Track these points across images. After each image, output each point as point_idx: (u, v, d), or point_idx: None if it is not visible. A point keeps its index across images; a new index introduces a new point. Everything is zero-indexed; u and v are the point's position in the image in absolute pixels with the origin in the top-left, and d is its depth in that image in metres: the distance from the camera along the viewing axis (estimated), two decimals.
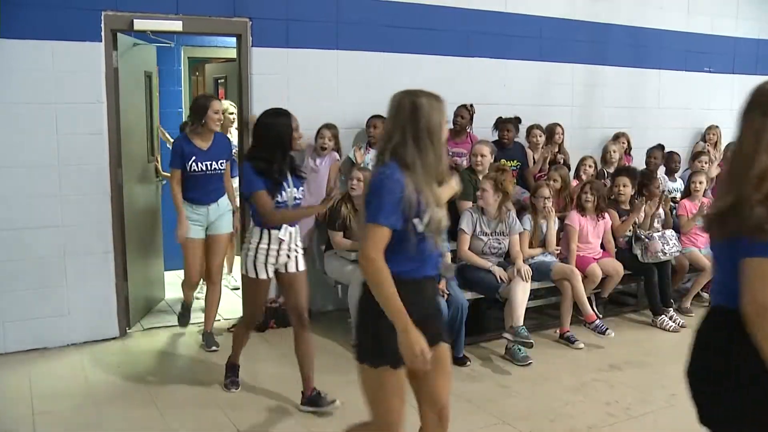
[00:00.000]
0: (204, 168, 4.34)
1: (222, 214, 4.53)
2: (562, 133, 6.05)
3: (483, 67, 5.87)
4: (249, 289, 3.67)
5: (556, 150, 5.98)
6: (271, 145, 3.45)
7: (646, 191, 5.40)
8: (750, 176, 1.69)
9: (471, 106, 5.51)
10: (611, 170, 5.88)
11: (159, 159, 5.64)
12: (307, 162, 5.07)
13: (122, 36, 4.76)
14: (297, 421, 3.53)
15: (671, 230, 5.43)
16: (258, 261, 3.52)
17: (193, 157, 4.30)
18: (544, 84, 6.22)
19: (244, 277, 3.62)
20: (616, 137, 6.41)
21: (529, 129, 5.89)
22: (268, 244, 3.51)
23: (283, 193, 3.49)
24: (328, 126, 5.05)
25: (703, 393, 1.85)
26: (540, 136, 5.88)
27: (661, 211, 5.59)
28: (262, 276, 3.55)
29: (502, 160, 5.35)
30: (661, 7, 6.86)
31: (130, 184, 4.97)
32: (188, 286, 4.74)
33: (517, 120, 5.71)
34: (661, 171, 6.39)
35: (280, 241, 3.52)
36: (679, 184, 6.32)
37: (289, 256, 3.60)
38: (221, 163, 4.44)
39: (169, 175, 4.57)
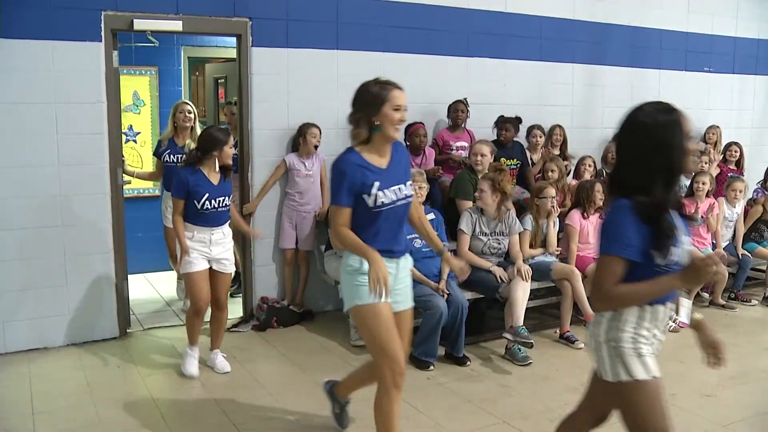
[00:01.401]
0: (393, 198, 2.74)
1: (408, 269, 2.95)
2: (561, 135, 6.03)
3: (483, 67, 5.87)
4: (639, 400, 2.16)
5: (557, 153, 5.99)
6: (656, 165, 2.06)
7: None
8: None
9: (465, 99, 5.52)
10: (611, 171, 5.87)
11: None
12: (292, 165, 5.06)
13: None
14: (297, 421, 3.53)
15: None
16: (643, 352, 2.14)
17: (376, 184, 2.71)
18: (544, 84, 6.22)
19: (624, 386, 2.15)
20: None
21: (530, 129, 5.89)
22: (649, 328, 2.16)
23: (676, 249, 2.08)
24: (315, 125, 5.04)
25: None
26: (540, 137, 5.89)
27: None
28: (656, 374, 2.15)
29: (502, 159, 5.35)
30: (661, 7, 6.87)
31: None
32: (393, 377, 2.80)
33: (518, 120, 5.71)
34: None
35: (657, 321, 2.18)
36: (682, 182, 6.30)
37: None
38: (410, 186, 2.87)
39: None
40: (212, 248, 4.02)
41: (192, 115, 5.08)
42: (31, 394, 3.82)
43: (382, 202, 2.71)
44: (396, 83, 2.76)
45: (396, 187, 2.76)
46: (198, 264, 3.99)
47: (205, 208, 3.93)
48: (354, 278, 2.75)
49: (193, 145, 4.81)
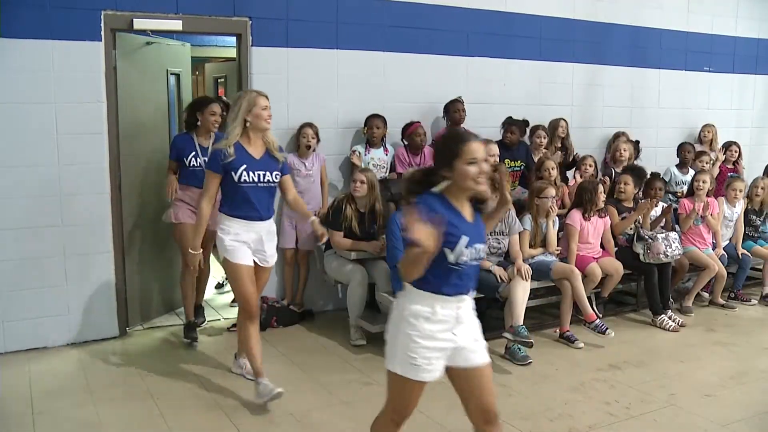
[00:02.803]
0: None
1: None
2: (566, 128, 6.06)
3: (483, 67, 5.87)
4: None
5: (559, 145, 6.00)
6: None
7: (643, 192, 5.40)
8: None
9: (460, 97, 5.51)
10: (620, 169, 5.86)
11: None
12: (293, 165, 5.03)
13: (134, 36, 4.77)
14: (298, 421, 3.53)
15: (674, 232, 5.40)
16: None
17: None
18: (544, 84, 6.22)
19: None
20: (617, 136, 6.39)
21: (533, 129, 5.87)
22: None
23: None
24: (310, 125, 5.02)
25: None
26: (544, 138, 5.86)
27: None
28: None
29: (506, 160, 5.36)
30: (661, 7, 6.87)
31: (147, 183, 4.95)
32: None
33: (525, 123, 5.71)
34: (672, 166, 6.51)
35: None
36: (689, 178, 6.27)
37: None
38: None
39: None
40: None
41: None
42: (31, 394, 3.82)
43: None
44: None
45: None
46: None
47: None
48: None
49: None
